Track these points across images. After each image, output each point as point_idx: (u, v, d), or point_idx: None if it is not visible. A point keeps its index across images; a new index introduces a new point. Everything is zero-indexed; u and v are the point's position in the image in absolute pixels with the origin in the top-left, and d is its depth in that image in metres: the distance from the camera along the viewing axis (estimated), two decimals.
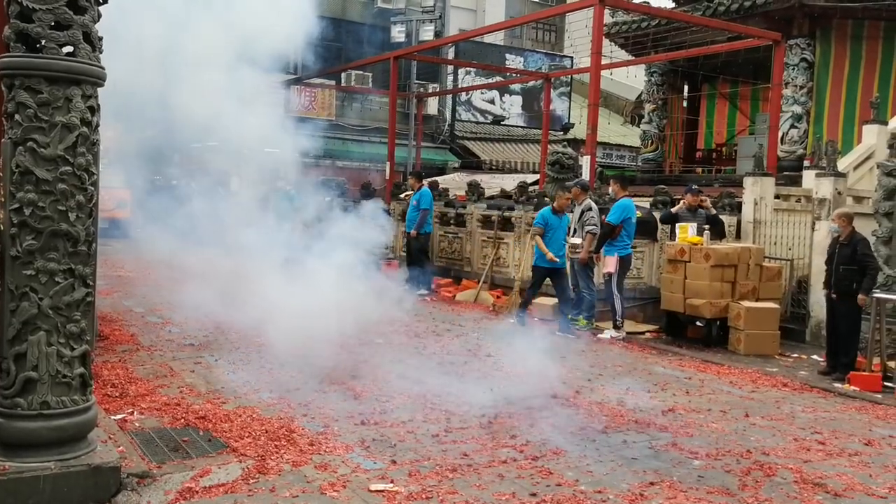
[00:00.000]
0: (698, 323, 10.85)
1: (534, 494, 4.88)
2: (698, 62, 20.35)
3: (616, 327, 11.10)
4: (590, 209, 11.37)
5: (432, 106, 31.71)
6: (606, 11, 14.58)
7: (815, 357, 10.16)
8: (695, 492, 5.08)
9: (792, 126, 17.71)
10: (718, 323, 10.63)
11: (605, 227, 11.21)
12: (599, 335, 10.95)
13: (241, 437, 5.70)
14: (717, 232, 11.49)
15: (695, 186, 12.26)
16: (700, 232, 10.96)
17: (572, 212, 11.62)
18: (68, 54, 4.58)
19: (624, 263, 11.30)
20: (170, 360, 8.04)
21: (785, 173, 15.88)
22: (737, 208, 13.04)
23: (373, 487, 4.88)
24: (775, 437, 6.45)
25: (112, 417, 5.96)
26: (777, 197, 12.58)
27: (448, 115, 32.87)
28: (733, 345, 10.39)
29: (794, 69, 17.57)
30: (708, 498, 5.00)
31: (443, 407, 6.79)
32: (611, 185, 12.32)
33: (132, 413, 6.18)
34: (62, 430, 4.50)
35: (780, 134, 16.76)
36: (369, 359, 8.54)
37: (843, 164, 12.64)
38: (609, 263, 11.22)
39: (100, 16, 4.84)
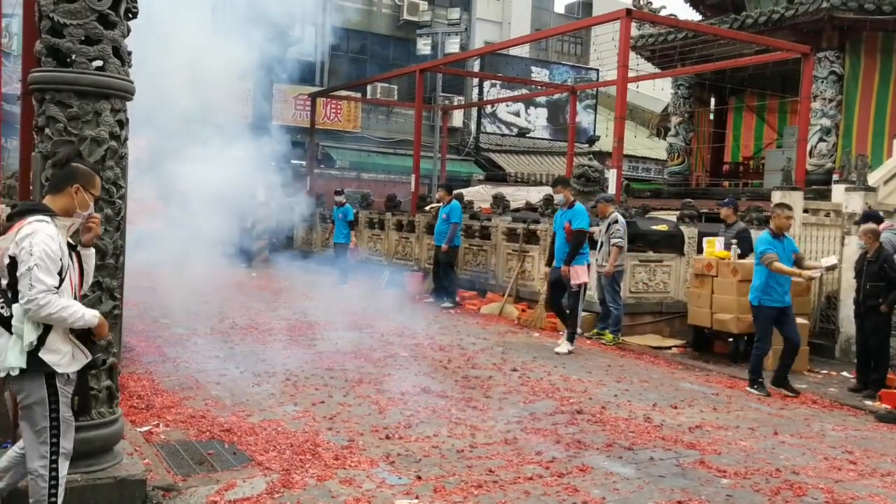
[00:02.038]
0: (729, 339, 10.75)
1: None
2: (725, 75, 20.24)
3: (570, 339, 10.48)
4: (616, 222, 11.31)
5: (458, 118, 31.75)
6: (633, 24, 14.51)
7: (844, 373, 10.02)
8: None
9: (821, 139, 17.56)
10: (746, 338, 10.52)
11: (580, 235, 10.58)
12: (557, 349, 10.32)
13: (266, 451, 5.69)
14: (746, 248, 11.36)
15: (728, 199, 12.22)
16: (727, 246, 10.87)
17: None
18: (98, 69, 4.61)
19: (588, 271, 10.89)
20: (195, 372, 8.06)
21: (813, 187, 15.71)
22: (764, 222, 12.92)
23: (398, 503, 4.85)
24: (805, 456, 6.35)
25: (138, 430, 5.98)
26: (805, 211, 12.45)
27: (473, 127, 32.90)
28: None
29: (822, 82, 17.44)
30: None
31: (468, 422, 6.76)
32: (559, 191, 11.08)
33: (158, 425, 6.20)
34: (88, 443, 4.50)
35: (808, 147, 16.62)
36: (394, 372, 8.53)
37: (872, 178, 12.49)
38: (582, 273, 10.62)
39: (129, 30, 4.87)
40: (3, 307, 3.81)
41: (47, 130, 4.53)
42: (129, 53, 4.85)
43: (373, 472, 5.40)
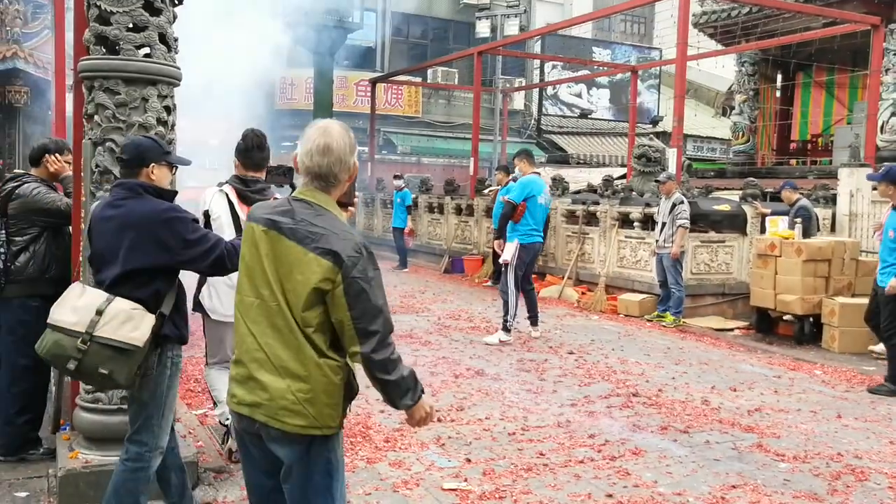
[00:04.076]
0: (789, 318, 10.48)
1: (610, 496, 4.76)
2: (791, 50, 19.71)
3: (506, 329, 9.51)
4: (681, 202, 11.13)
5: (519, 101, 31.55)
6: (695, 1, 14.23)
7: None
8: (780, 496, 4.88)
9: (893, 114, 16.97)
10: (812, 320, 10.25)
11: (505, 207, 9.64)
12: (485, 340, 9.45)
13: None
14: (808, 225, 11.05)
15: (784, 183, 11.95)
16: (791, 225, 10.60)
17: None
18: (145, 55, 4.66)
19: (527, 252, 9.64)
20: None
21: (885, 164, 15.21)
22: (831, 201, 12.59)
23: (446, 486, 4.83)
24: (869, 440, 6.16)
25: (193, 412, 6.07)
26: (875, 188, 12.07)
27: (535, 109, 32.67)
28: (827, 342, 10.00)
29: (895, 55, 16.86)
30: (793, 503, 4.79)
31: (521, 405, 6.72)
32: (516, 163, 10.14)
33: (213, 408, 6.27)
34: None
35: (880, 123, 16.10)
36: (449, 355, 8.52)
37: None
38: (506, 250, 9.60)
39: (175, 17, 4.91)
40: None
41: (96, 118, 4.59)
42: (176, 40, 4.89)
43: (423, 454, 5.40)
